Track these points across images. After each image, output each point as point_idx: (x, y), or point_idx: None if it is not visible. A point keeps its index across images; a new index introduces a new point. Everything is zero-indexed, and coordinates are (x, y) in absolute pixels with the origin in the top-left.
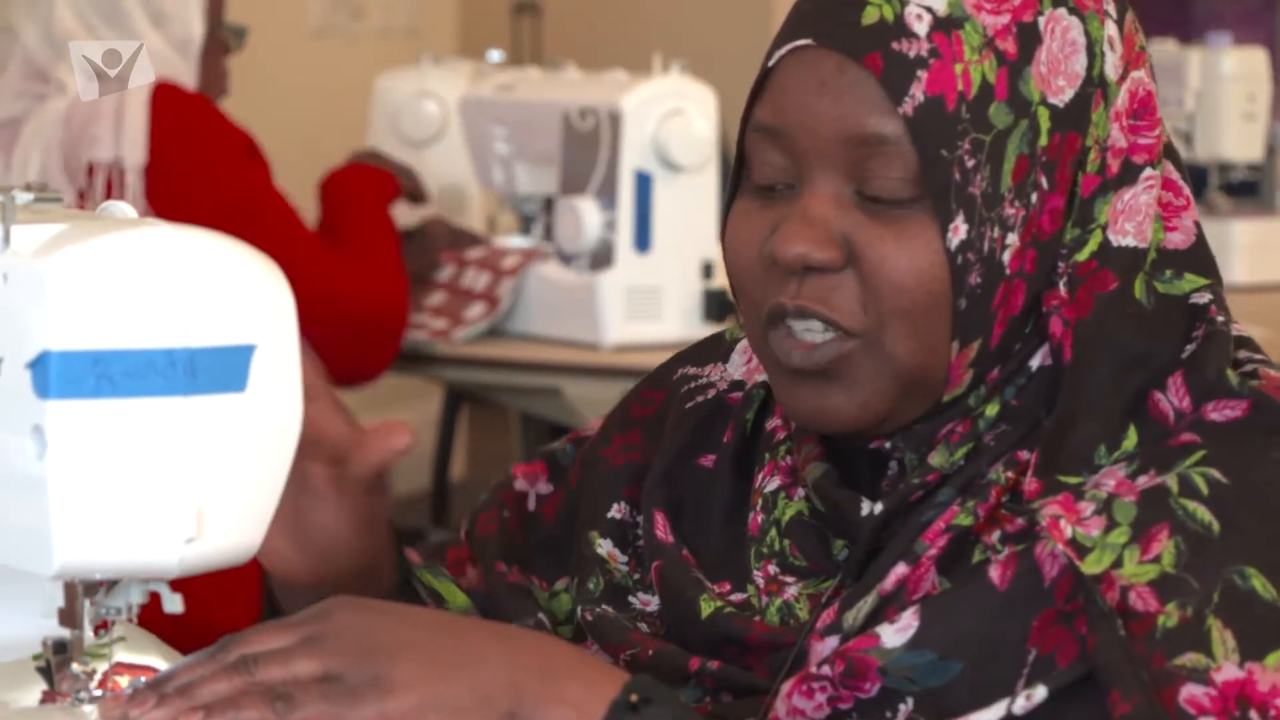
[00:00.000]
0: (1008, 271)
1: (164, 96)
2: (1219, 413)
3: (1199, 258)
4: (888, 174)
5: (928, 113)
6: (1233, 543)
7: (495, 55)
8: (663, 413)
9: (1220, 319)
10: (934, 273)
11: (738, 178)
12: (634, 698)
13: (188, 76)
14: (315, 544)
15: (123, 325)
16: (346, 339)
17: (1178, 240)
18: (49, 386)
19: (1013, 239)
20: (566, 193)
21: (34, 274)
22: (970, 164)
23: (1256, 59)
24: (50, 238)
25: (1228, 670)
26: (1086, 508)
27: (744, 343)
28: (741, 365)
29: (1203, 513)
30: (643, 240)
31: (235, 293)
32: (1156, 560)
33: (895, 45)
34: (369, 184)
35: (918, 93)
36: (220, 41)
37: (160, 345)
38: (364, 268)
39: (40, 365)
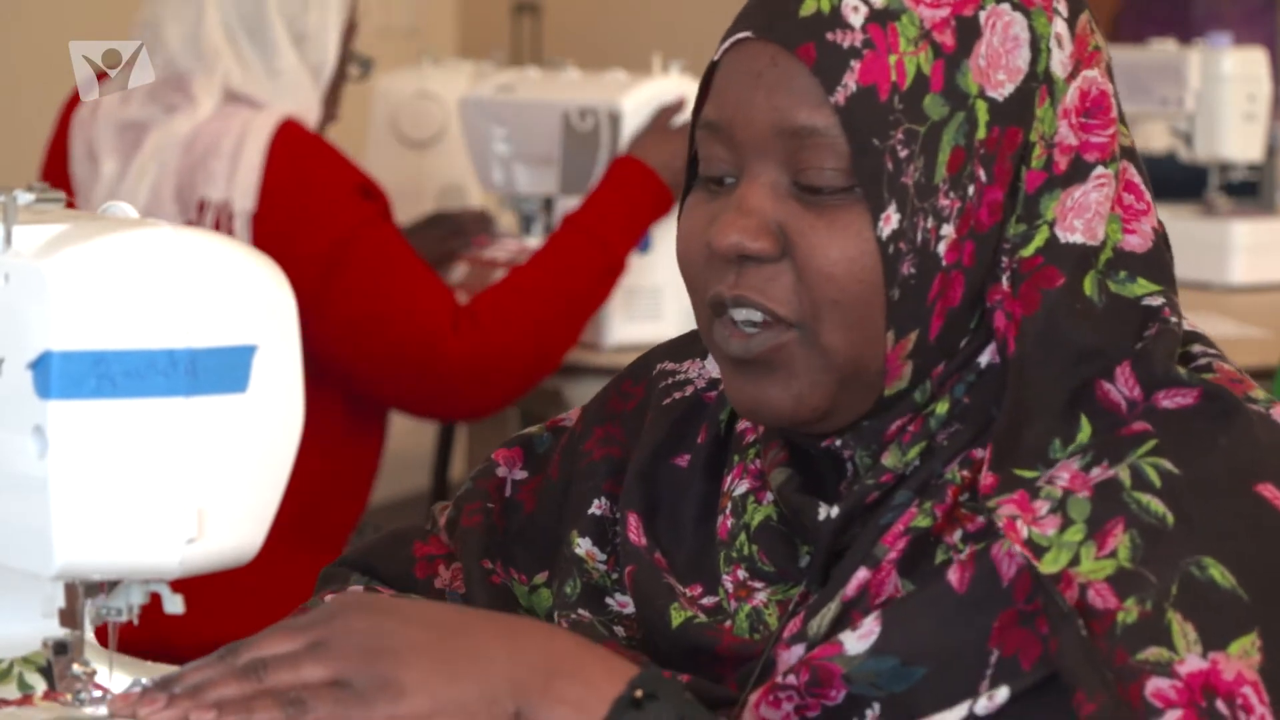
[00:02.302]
0: (944, 263)
1: (284, 138)
2: (1170, 400)
3: (1155, 264)
4: (821, 164)
5: (860, 102)
6: (1188, 534)
7: (495, 55)
8: (642, 407)
9: (1173, 320)
10: (864, 261)
11: (691, 175)
12: (638, 694)
13: (316, 99)
14: None
15: (124, 326)
16: (409, 376)
17: (1135, 244)
18: (50, 387)
19: (948, 230)
20: (566, 193)
21: (35, 274)
22: (903, 154)
23: (1256, 59)
24: (51, 238)
25: (1191, 662)
26: (1041, 506)
27: None
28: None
29: (1156, 505)
30: (643, 241)
31: (236, 293)
32: (1113, 555)
33: (829, 36)
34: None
35: (850, 82)
36: (344, 69)
37: (161, 346)
38: (482, 333)
39: (41, 365)
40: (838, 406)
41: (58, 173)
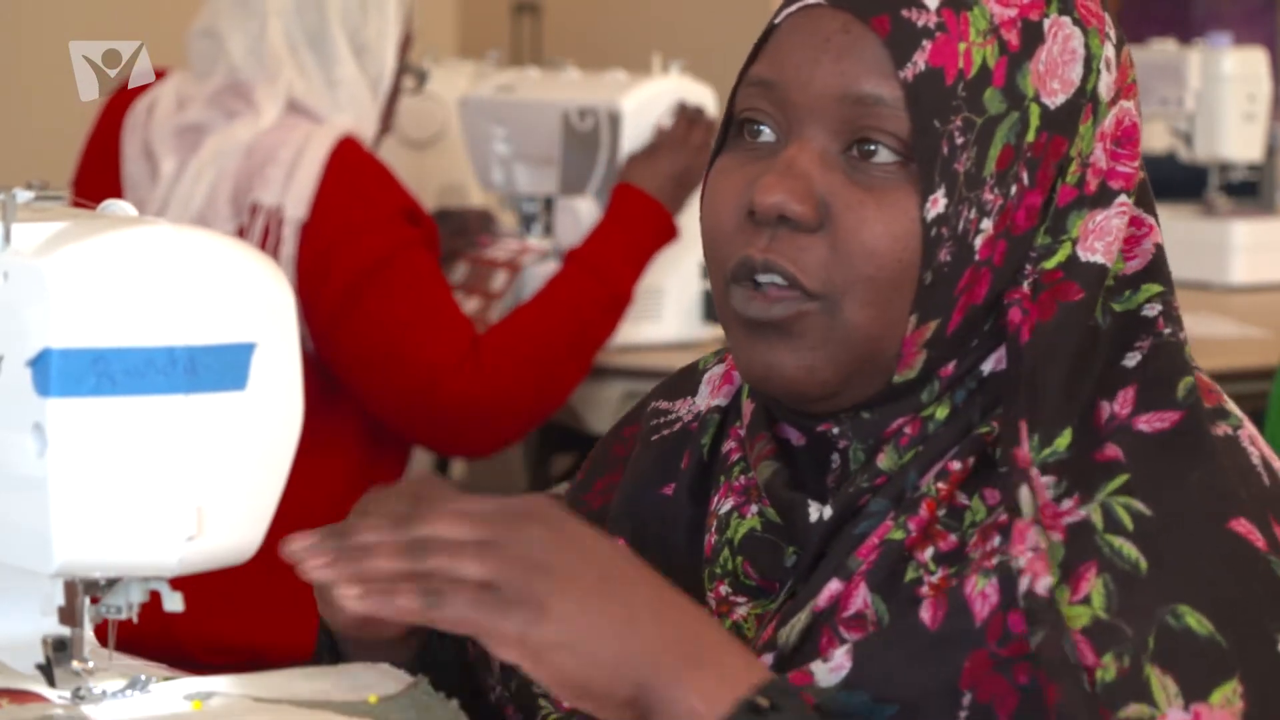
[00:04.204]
0: (977, 257)
1: (341, 153)
2: (1148, 423)
3: (1154, 270)
4: (878, 137)
5: (927, 82)
6: (1161, 581)
7: (494, 55)
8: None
9: (1167, 330)
10: (907, 241)
11: (723, 139)
12: (763, 702)
13: (375, 111)
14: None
15: (123, 323)
16: (410, 407)
17: (1135, 265)
18: (49, 384)
19: (987, 225)
20: (566, 193)
21: (35, 272)
22: (959, 140)
23: (1256, 59)
24: (51, 236)
25: (1174, 716)
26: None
27: (710, 373)
28: (706, 395)
29: (1129, 549)
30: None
31: (235, 291)
32: (1086, 602)
33: (905, 12)
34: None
35: (920, 60)
36: (400, 81)
37: (160, 343)
38: (491, 374)
39: (41, 363)
40: (847, 386)
41: (99, 171)
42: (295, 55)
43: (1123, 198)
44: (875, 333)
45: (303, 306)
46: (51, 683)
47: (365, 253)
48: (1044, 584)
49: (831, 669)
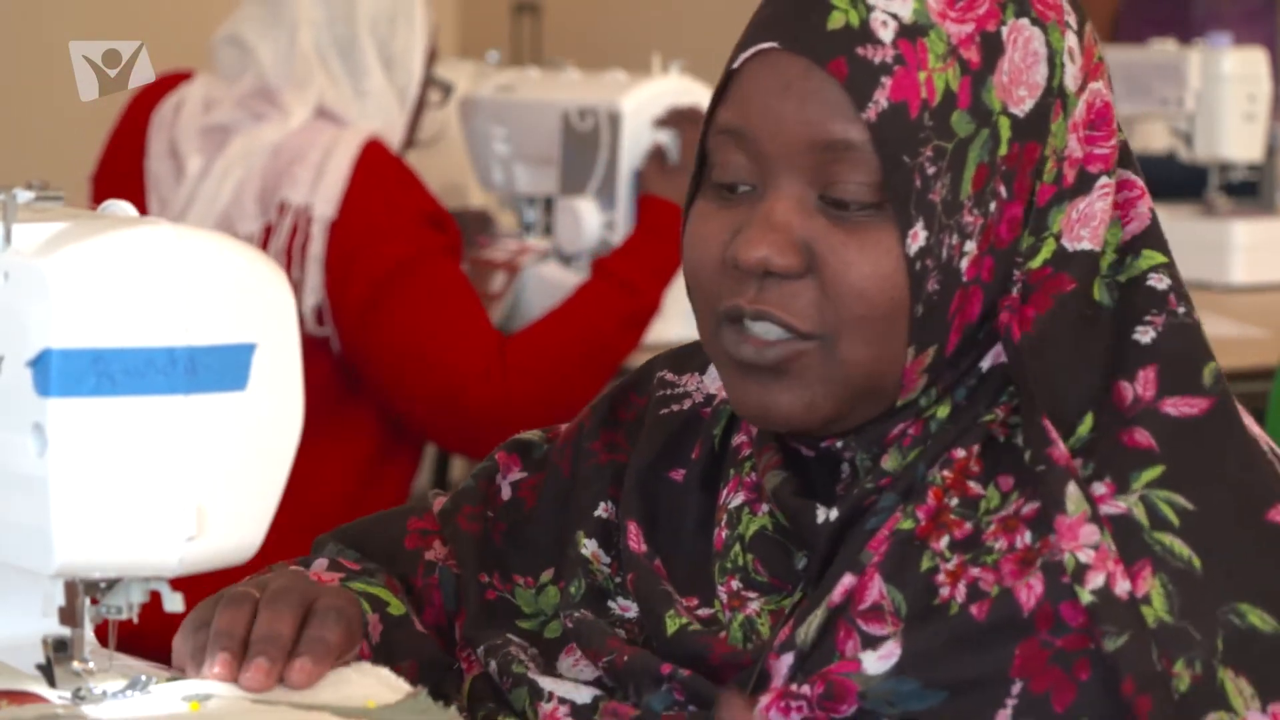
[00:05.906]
0: (964, 279)
1: (369, 156)
2: (1175, 407)
3: (1154, 236)
4: (851, 179)
5: (891, 119)
6: (1219, 579)
7: (494, 55)
8: (642, 418)
9: (1181, 310)
10: (894, 279)
11: (698, 178)
12: None
13: (402, 122)
14: None
15: (123, 324)
16: (436, 412)
17: (1134, 228)
18: (50, 384)
19: (970, 246)
20: (566, 193)
21: (35, 272)
22: (931, 171)
23: (1256, 59)
24: (51, 236)
25: (1253, 719)
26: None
27: None
28: (716, 379)
29: (1180, 547)
30: None
31: (235, 292)
32: (1147, 602)
33: (860, 51)
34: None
35: (881, 99)
36: (425, 93)
37: (161, 344)
38: (515, 381)
39: (41, 363)
40: (848, 415)
41: (121, 169)
42: (325, 64)
43: (1103, 179)
44: (874, 368)
45: (330, 306)
46: (51, 683)
47: (388, 257)
48: (1123, 587)
49: (881, 656)
